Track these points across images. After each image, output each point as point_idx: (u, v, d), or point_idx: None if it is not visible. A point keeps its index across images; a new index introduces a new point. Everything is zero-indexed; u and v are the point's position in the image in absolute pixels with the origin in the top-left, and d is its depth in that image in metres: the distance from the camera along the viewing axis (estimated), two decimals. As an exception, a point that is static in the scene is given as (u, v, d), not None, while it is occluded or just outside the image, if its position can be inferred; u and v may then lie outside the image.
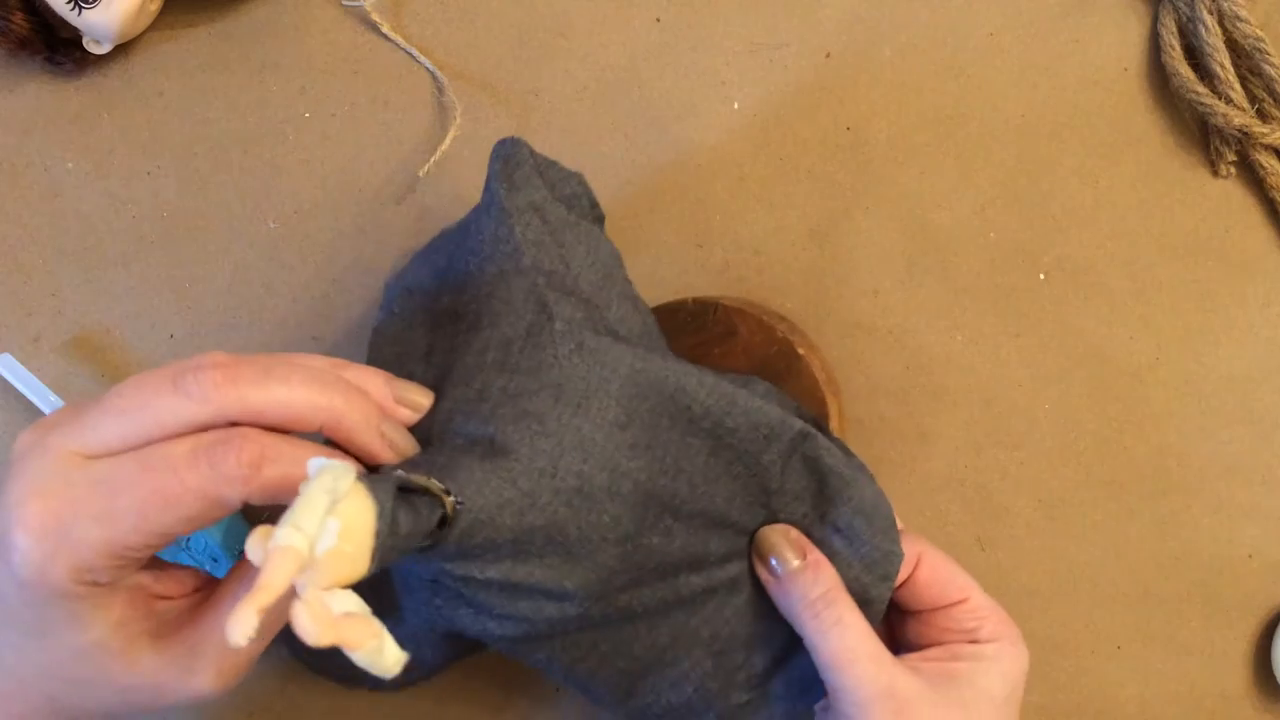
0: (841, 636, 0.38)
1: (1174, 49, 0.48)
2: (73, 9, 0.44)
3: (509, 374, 0.36)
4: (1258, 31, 0.47)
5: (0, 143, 0.48)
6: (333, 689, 0.48)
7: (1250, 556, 0.48)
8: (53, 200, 0.48)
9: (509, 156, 0.40)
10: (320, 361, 0.35)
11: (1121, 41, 0.49)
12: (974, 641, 0.40)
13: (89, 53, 0.46)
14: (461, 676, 0.47)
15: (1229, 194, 0.49)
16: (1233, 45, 0.48)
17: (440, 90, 0.48)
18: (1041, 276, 0.49)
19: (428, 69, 0.48)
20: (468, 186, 0.48)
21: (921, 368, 0.48)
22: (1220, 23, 0.48)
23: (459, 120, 0.48)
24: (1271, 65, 0.47)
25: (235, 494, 0.31)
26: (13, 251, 0.48)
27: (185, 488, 0.30)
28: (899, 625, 0.43)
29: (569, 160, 0.48)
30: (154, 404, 0.31)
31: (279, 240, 0.48)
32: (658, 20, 0.49)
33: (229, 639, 0.26)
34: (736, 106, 0.49)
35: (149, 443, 0.31)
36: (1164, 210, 0.49)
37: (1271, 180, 0.48)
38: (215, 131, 0.48)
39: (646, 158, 0.48)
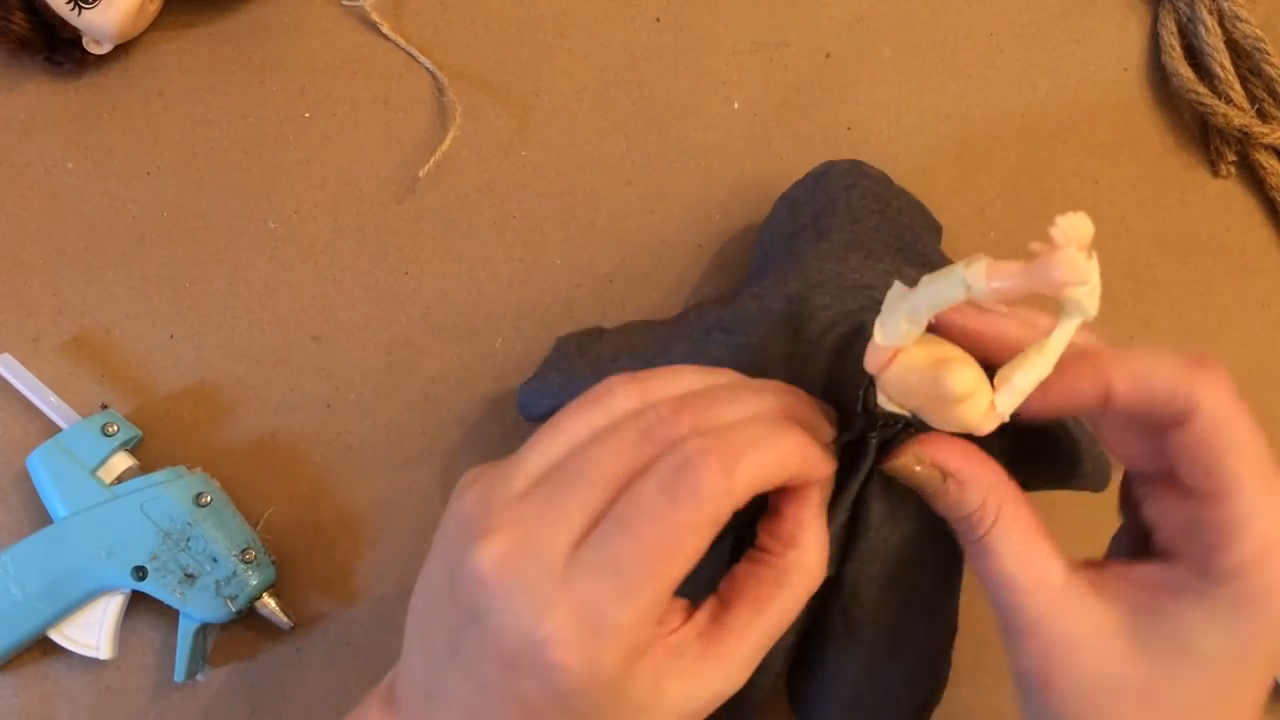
0: (997, 560, 0.31)
1: (1174, 49, 0.48)
2: (73, 9, 0.44)
3: None
4: (1258, 31, 0.47)
5: (0, 143, 0.48)
6: (333, 689, 0.48)
7: (1250, 556, 0.48)
8: (53, 200, 0.48)
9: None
10: (700, 373, 0.33)
11: (1121, 41, 0.49)
12: (1202, 566, 0.28)
13: (89, 53, 0.46)
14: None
15: (1229, 194, 0.49)
16: (1233, 45, 0.48)
17: (440, 90, 0.48)
18: (1041, 276, 0.49)
19: (428, 69, 0.48)
20: (468, 186, 0.48)
21: (921, 368, 0.48)
22: (1220, 23, 0.48)
23: (459, 120, 0.48)
24: (1271, 65, 0.47)
25: (726, 506, 0.29)
26: (13, 251, 0.48)
27: (680, 527, 0.29)
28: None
29: (569, 159, 0.48)
30: (633, 466, 0.30)
31: (279, 240, 0.48)
32: (658, 20, 0.49)
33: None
34: (736, 106, 0.49)
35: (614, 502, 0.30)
36: (1164, 210, 0.49)
37: (1271, 180, 0.48)
38: (215, 132, 0.48)
39: (646, 158, 0.48)
